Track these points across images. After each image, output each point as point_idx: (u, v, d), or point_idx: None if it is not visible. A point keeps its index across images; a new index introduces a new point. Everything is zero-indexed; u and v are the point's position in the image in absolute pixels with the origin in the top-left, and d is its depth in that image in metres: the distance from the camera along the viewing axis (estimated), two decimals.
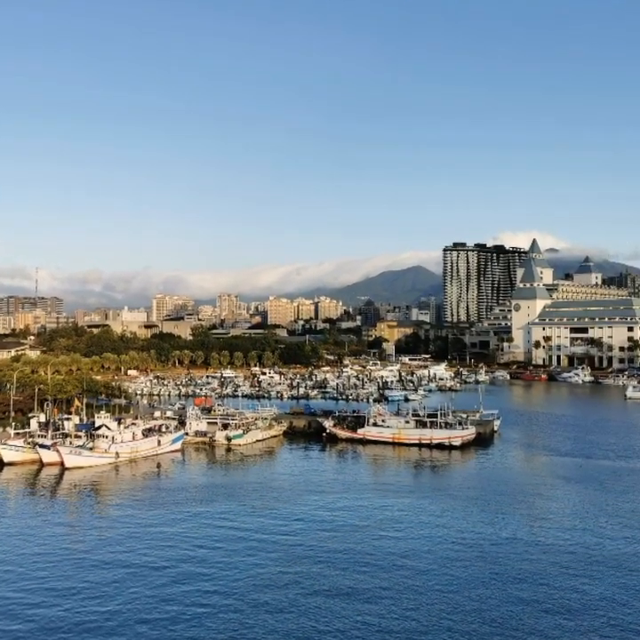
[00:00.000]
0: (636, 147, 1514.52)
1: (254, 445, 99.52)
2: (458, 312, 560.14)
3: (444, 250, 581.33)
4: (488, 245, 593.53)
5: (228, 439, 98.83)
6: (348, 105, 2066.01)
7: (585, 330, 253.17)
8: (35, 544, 54.45)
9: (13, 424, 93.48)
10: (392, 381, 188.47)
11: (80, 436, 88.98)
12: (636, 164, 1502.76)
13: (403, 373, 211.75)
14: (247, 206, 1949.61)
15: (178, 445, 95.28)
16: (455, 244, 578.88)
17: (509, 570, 47.78)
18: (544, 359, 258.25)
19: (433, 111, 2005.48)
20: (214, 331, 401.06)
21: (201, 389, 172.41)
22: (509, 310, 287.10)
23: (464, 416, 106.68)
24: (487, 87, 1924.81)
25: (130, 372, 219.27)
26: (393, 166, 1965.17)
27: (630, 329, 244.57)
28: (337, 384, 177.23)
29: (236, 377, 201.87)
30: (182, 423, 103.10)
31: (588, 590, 44.22)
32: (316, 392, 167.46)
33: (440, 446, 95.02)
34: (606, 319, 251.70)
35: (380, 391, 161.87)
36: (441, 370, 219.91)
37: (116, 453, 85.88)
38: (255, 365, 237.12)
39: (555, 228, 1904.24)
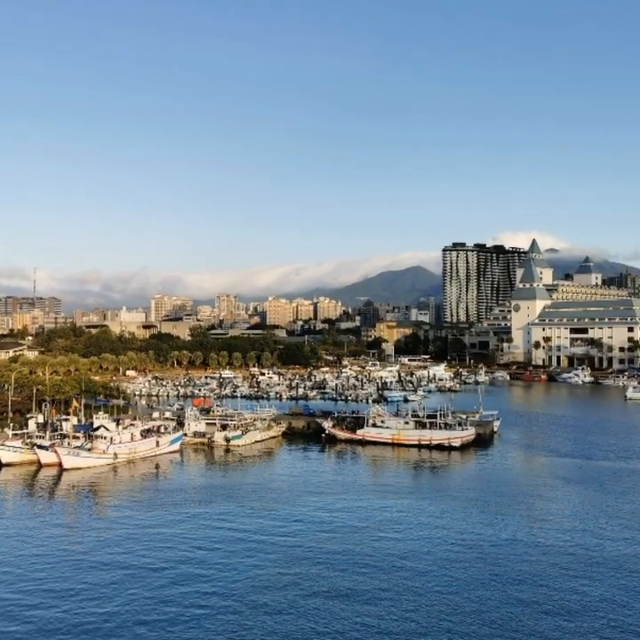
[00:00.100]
0: (636, 147, 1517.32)
1: (253, 446, 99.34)
2: (457, 312, 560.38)
3: (444, 250, 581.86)
4: (488, 245, 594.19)
5: (227, 440, 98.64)
6: (348, 105, 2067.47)
7: (585, 330, 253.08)
8: (33, 545, 54.26)
9: (11, 425, 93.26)
10: (391, 382, 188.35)
11: (78, 437, 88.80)
12: (636, 163, 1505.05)
13: (402, 374, 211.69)
14: (246, 206, 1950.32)
15: (176, 446, 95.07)
16: (455, 245, 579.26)
17: (509, 571, 47.62)
18: (544, 360, 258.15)
19: (433, 111, 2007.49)
20: (213, 331, 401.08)
21: (199, 390, 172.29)
22: (509, 311, 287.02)
23: (464, 417, 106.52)
24: (487, 87, 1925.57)
25: (128, 372, 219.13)
26: (392, 166, 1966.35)
27: (630, 329, 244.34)
28: (336, 385, 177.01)
29: (234, 377, 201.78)
30: (181, 424, 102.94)
31: (588, 592, 44.07)
32: (315, 393, 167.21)
33: (439, 447, 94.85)
34: (606, 320, 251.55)
35: (380, 392, 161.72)
36: (440, 370, 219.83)
37: (115, 454, 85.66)
38: (254, 366, 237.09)
39: (555, 228, 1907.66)
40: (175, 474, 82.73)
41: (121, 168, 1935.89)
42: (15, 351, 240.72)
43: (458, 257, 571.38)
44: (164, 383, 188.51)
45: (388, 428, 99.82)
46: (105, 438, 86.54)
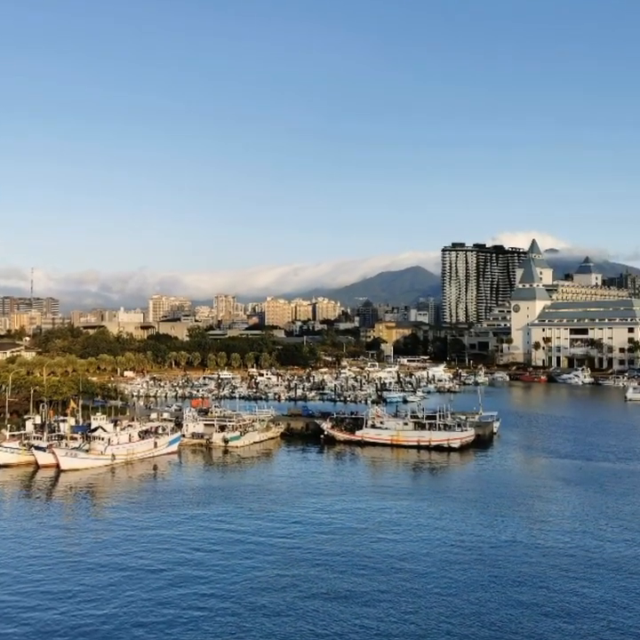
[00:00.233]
0: (636, 147, 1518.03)
1: (251, 447, 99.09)
2: (457, 313, 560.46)
3: (443, 250, 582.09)
4: (487, 246, 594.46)
5: (225, 441, 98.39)
6: (348, 105, 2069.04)
7: (585, 331, 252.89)
8: (30, 547, 54.01)
9: (8, 426, 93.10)
10: (390, 383, 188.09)
11: (76, 438, 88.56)
12: (636, 163, 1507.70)
13: (401, 375, 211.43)
14: (246, 206, 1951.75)
15: (174, 447, 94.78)
16: (454, 245, 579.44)
17: (509, 573, 47.42)
18: (544, 360, 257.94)
19: (433, 111, 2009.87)
20: (211, 332, 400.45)
21: (198, 391, 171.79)
22: (509, 311, 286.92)
23: (463, 418, 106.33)
24: (487, 87, 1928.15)
25: (126, 373, 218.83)
26: (392, 166, 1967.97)
27: (630, 330, 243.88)
28: (335, 385, 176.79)
29: (233, 378, 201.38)
30: (179, 425, 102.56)
31: (587, 593, 43.86)
32: (313, 393, 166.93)
33: (439, 448, 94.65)
34: (606, 320, 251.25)
35: (379, 393, 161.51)
36: (440, 371, 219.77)
37: (113, 455, 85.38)
38: (252, 367, 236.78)
39: (554, 229, 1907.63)
40: (173, 475, 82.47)
41: (121, 168, 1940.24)
42: (12, 352, 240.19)
43: (457, 257, 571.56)
44: (162, 384, 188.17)
45: (387, 428, 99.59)
46: (103, 439, 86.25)
